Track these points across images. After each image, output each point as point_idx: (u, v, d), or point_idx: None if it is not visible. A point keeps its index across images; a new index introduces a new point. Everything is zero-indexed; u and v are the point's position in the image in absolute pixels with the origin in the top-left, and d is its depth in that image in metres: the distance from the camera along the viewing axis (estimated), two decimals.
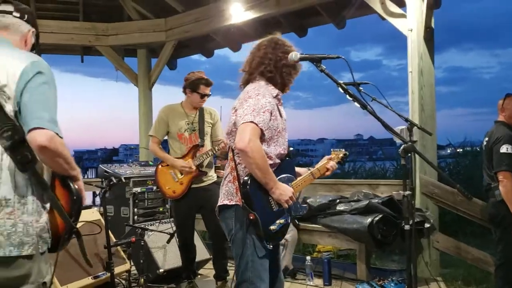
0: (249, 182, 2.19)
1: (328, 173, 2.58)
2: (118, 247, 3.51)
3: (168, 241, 4.29)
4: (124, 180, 3.62)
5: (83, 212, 3.54)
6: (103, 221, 3.61)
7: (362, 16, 5.96)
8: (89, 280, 3.10)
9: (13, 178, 1.69)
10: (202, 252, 4.71)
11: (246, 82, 2.44)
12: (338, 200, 4.85)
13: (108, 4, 7.15)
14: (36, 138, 1.63)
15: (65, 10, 7.19)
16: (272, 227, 2.23)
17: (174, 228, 4.28)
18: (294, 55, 2.27)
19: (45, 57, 8.18)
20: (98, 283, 3.20)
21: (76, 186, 1.83)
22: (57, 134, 1.67)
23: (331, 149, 2.73)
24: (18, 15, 1.92)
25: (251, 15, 5.91)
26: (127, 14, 7.06)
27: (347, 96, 2.26)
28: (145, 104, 7.26)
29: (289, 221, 2.34)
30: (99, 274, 3.18)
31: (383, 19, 4.92)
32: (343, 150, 2.70)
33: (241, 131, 2.15)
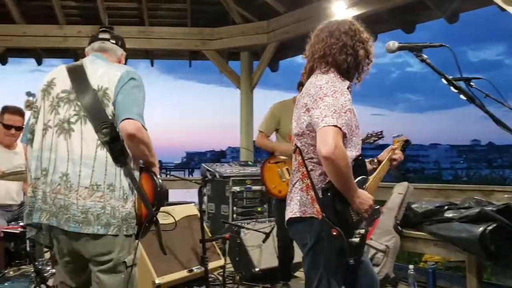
0: (329, 191, 1.97)
1: (395, 163, 2.34)
2: (214, 243, 3.56)
3: (264, 241, 4.27)
4: (218, 177, 3.67)
5: (182, 206, 3.64)
6: (199, 216, 3.69)
7: (478, 8, 5.48)
8: (184, 273, 3.18)
9: (104, 168, 1.97)
10: (299, 254, 4.63)
11: (311, 71, 2.19)
12: (446, 207, 4.47)
13: (214, 9, 7.38)
14: (126, 127, 1.94)
15: (174, 17, 7.56)
16: (354, 240, 2.00)
17: (271, 228, 4.26)
18: (392, 44, 2.04)
19: (157, 63, 8.71)
20: (193, 276, 3.27)
21: (159, 179, 2.09)
22: (143, 126, 1.97)
23: (393, 137, 2.48)
24: (114, 41, 2.32)
25: (354, 12, 5.71)
26: (232, 18, 7.22)
27: (452, 88, 2.03)
28: (247, 105, 7.38)
29: (367, 230, 2.12)
30: (194, 268, 3.24)
31: (503, 10, 4.44)
32: (404, 136, 2.45)
33: (324, 135, 1.90)
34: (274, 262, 4.31)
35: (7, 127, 3.50)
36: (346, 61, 2.12)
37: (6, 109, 3.56)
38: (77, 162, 1.96)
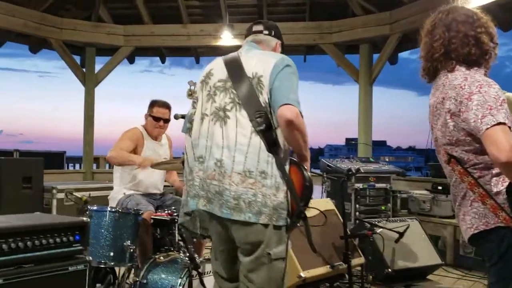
0: None
1: None
2: (352, 240, 3.46)
3: (397, 240, 4.09)
4: (362, 171, 3.56)
5: (319, 201, 3.58)
6: (336, 211, 3.62)
7: None
8: (327, 269, 3.13)
9: (258, 155, 1.95)
10: (432, 256, 4.39)
11: (435, 73, 1.96)
12: None
13: (334, 2, 7.26)
14: (285, 112, 1.92)
15: (293, 12, 7.55)
16: None
17: (405, 227, 4.07)
18: None
19: None
20: (334, 273, 3.20)
21: (308, 173, 2.04)
22: (300, 113, 1.95)
23: None
24: (267, 32, 2.31)
25: (482, 1, 5.25)
26: (352, 10, 7.04)
27: None
28: (366, 100, 7.16)
29: None
30: (336, 264, 3.17)
31: None
32: None
33: (492, 140, 1.67)
34: (408, 263, 4.12)
35: (156, 119, 3.68)
36: (471, 53, 1.87)
37: (155, 102, 3.76)
38: (231, 148, 1.97)
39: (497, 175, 1.80)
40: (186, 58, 8.76)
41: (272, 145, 1.96)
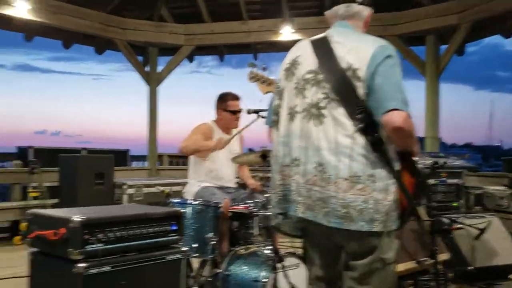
0: None
1: None
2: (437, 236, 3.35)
3: (478, 237, 3.93)
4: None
5: None
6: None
7: None
8: (412, 264, 3.04)
9: (363, 157, 1.76)
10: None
11: None
12: None
13: None
14: (393, 119, 1.70)
15: (269, 10, 7.45)
16: None
17: (486, 224, 3.90)
18: None
19: None
20: (419, 268, 3.11)
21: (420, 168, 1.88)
22: (410, 115, 1.74)
23: None
24: (360, 1, 2.02)
25: None
26: (417, 0, 6.83)
27: None
28: (433, 94, 6.93)
29: None
30: (422, 259, 3.08)
31: None
32: None
33: None
34: (490, 261, 3.94)
35: (234, 112, 3.69)
36: None
37: (227, 95, 3.75)
38: (333, 151, 1.78)
39: None
40: (246, 56, 8.75)
41: (378, 144, 1.77)
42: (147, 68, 8.03)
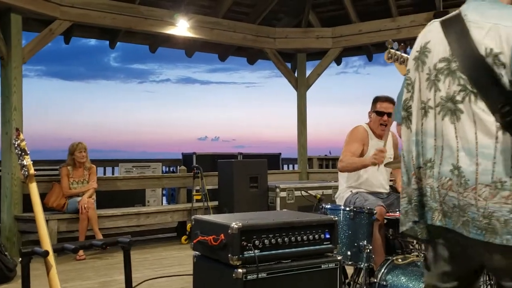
0: None
1: None
2: None
3: None
4: None
5: None
6: None
7: None
8: None
9: (510, 159, 1.50)
10: None
11: None
12: None
13: None
14: None
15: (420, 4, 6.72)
16: None
17: None
18: None
19: None
20: None
21: None
22: None
23: None
24: None
25: None
26: None
27: None
28: None
29: None
30: None
31: None
32: None
33: None
34: None
35: (380, 113, 3.59)
36: None
37: (378, 98, 3.68)
38: (471, 152, 1.55)
39: None
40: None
41: None
42: (295, 74, 8.20)
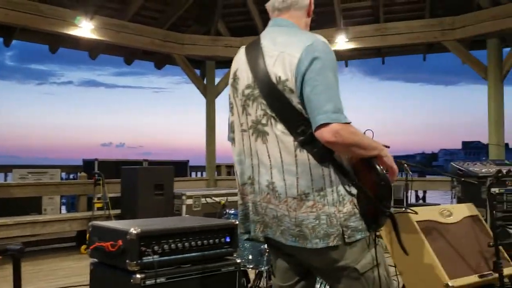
0: None
1: None
2: (501, 248, 3.19)
3: None
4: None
5: (462, 206, 3.35)
6: (480, 217, 3.36)
7: None
8: (475, 278, 2.90)
9: (309, 172, 1.66)
10: None
11: None
12: None
13: None
14: (323, 135, 1.59)
15: (411, 10, 7.29)
16: None
17: None
18: None
19: (388, 60, 8.51)
20: (483, 282, 2.96)
21: (381, 168, 1.69)
22: (344, 122, 1.60)
23: None
24: None
25: None
26: (477, 2, 6.59)
27: None
28: (496, 98, 6.63)
29: None
30: (485, 273, 2.93)
31: None
32: None
33: None
34: None
35: None
36: None
37: None
38: (280, 169, 1.70)
39: None
40: None
41: (323, 154, 1.67)
42: (205, 81, 8.24)
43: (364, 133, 3.46)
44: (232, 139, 1.92)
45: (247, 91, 1.79)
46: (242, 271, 3.34)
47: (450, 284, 2.76)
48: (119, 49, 7.81)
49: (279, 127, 1.69)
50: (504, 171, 3.26)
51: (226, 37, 7.89)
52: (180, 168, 8.30)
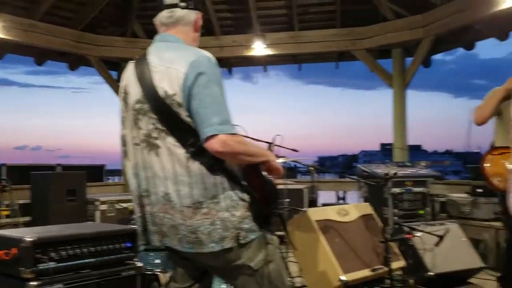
0: None
1: None
2: (392, 244, 3.48)
3: (437, 244, 4.06)
4: (399, 175, 3.57)
5: (357, 205, 3.62)
6: (375, 215, 3.64)
7: None
8: (367, 272, 3.15)
9: (202, 182, 1.76)
10: (473, 259, 4.33)
11: None
12: None
13: (365, 7, 7.28)
14: (212, 146, 1.69)
15: (324, 20, 7.63)
16: None
17: (445, 231, 4.04)
18: None
19: (304, 67, 8.83)
20: (375, 276, 3.23)
21: (267, 173, 1.85)
22: (231, 133, 1.71)
23: None
24: (184, 5, 1.91)
25: None
26: (382, 15, 7.06)
27: None
28: (400, 103, 7.14)
29: None
30: (377, 267, 3.20)
31: None
32: None
33: None
34: (449, 267, 4.08)
35: None
36: None
37: None
38: (173, 180, 1.78)
39: None
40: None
41: (214, 164, 1.76)
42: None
43: (274, 139, 3.61)
44: (124, 152, 1.95)
45: (137, 106, 1.84)
46: (152, 275, 3.39)
47: (344, 278, 2.99)
48: (29, 49, 7.46)
49: (170, 140, 1.77)
50: (393, 173, 3.57)
51: (143, 39, 7.80)
52: (96, 172, 8.07)
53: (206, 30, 7.65)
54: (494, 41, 6.64)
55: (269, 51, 7.43)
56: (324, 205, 6.58)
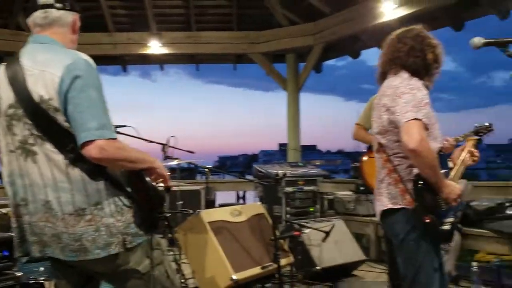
0: (418, 182, 2.09)
1: (474, 162, 2.43)
2: (281, 241, 3.64)
3: (324, 239, 4.32)
4: (289, 175, 3.73)
5: (250, 205, 3.74)
6: (266, 215, 3.77)
7: None
8: (258, 270, 3.26)
9: (84, 188, 1.72)
10: (356, 253, 4.67)
11: (383, 76, 2.29)
12: (507, 204, 4.43)
13: (260, 12, 7.49)
14: (88, 152, 1.65)
15: (221, 22, 7.72)
16: (444, 228, 2.12)
17: (331, 227, 4.30)
18: (478, 40, 2.06)
19: (202, 67, 8.85)
20: (265, 273, 3.35)
21: (151, 179, 1.82)
22: (109, 138, 1.67)
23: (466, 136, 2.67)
24: (60, 5, 1.84)
25: (403, 11, 5.70)
26: (277, 21, 7.31)
27: None
28: (294, 106, 7.46)
29: (456, 219, 2.22)
30: (266, 264, 3.32)
31: None
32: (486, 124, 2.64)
33: (408, 130, 2.01)
34: (335, 261, 4.36)
35: None
36: (415, 63, 2.20)
37: None
38: (53, 187, 1.72)
39: (412, 165, 2.12)
40: (114, 67, 8.68)
41: (96, 171, 1.72)
42: None
43: (168, 140, 3.57)
44: None
45: (10, 111, 1.75)
46: (36, 284, 3.20)
47: (235, 277, 3.07)
48: None
49: (48, 146, 1.71)
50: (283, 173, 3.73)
51: (28, 33, 7.29)
52: None
53: (99, 26, 7.37)
54: (378, 50, 7.22)
55: (165, 50, 7.36)
56: (221, 205, 6.65)
